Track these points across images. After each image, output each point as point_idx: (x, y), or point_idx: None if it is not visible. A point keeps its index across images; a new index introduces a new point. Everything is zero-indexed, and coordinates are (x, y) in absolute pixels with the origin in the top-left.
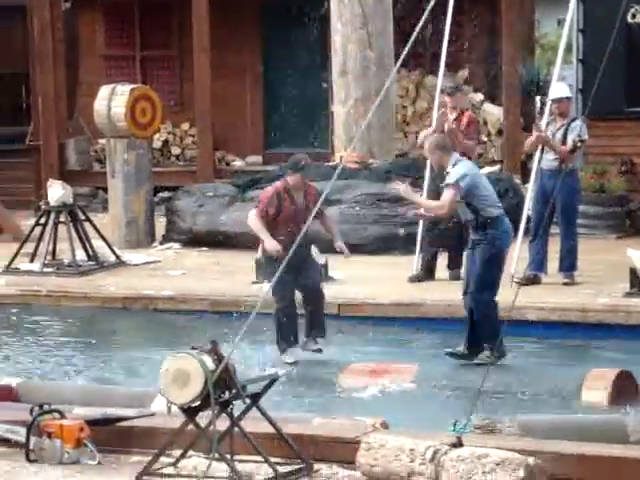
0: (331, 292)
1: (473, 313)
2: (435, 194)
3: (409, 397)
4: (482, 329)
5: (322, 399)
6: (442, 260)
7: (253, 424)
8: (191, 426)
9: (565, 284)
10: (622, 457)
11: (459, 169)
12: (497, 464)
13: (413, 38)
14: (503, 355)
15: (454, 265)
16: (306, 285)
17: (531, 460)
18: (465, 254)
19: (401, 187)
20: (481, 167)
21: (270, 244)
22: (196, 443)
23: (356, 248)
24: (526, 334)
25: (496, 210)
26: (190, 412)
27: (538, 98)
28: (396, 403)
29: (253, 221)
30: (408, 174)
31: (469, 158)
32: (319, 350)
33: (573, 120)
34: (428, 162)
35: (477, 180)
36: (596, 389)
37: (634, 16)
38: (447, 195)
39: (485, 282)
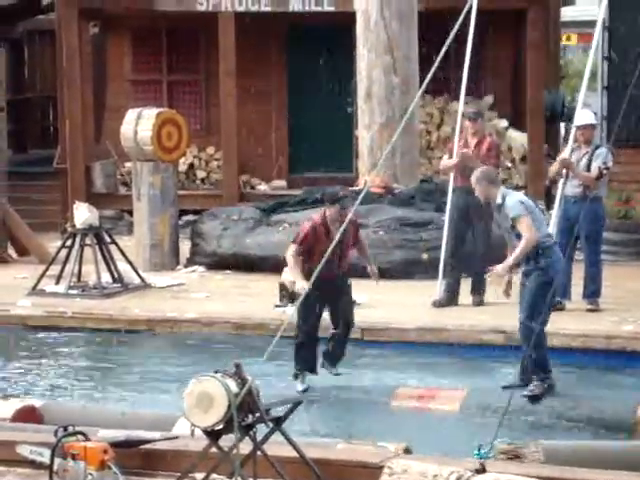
0: (354, 316)
1: (523, 343)
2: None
3: (454, 422)
4: (532, 358)
5: (369, 423)
6: (465, 286)
7: (276, 448)
8: (214, 449)
9: (589, 310)
10: None
11: (513, 198)
12: None
13: (436, 64)
14: (553, 385)
15: (477, 290)
16: (338, 317)
17: None
18: (520, 285)
19: (495, 273)
20: None
21: (299, 284)
22: (219, 466)
23: (380, 272)
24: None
25: (548, 239)
26: (213, 435)
27: (562, 124)
28: (442, 429)
29: (290, 258)
30: (432, 199)
31: None
32: (338, 374)
33: (597, 147)
34: (450, 188)
35: (531, 209)
36: None
37: None
38: (524, 224)
39: (535, 310)
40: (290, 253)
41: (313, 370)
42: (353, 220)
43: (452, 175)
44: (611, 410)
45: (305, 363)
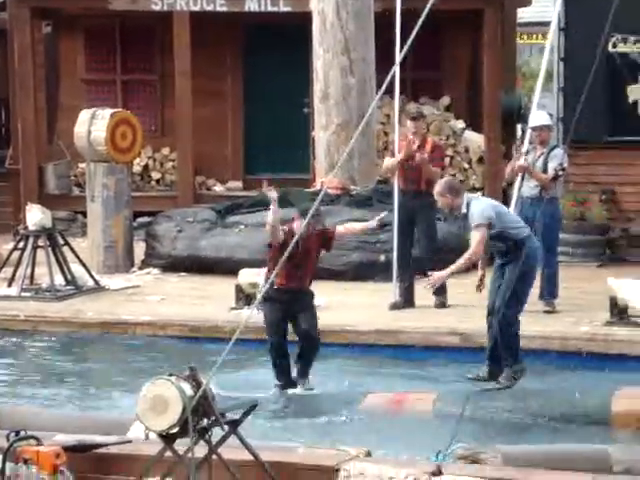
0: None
1: (497, 331)
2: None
3: (423, 426)
4: (505, 346)
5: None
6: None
7: (232, 451)
8: (169, 453)
9: (546, 312)
10: None
11: (477, 207)
12: None
13: (397, 65)
14: (524, 373)
15: (439, 292)
16: (302, 329)
17: None
18: (492, 277)
19: (434, 279)
20: None
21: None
22: (174, 470)
23: (337, 275)
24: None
25: (523, 231)
26: (168, 439)
27: (519, 126)
28: (414, 431)
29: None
30: (389, 201)
31: (429, 184)
32: (311, 389)
33: (553, 148)
34: (395, 188)
35: (497, 210)
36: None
37: (615, 45)
38: (477, 236)
39: (514, 298)
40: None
41: (292, 384)
42: (319, 229)
43: (396, 178)
44: (583, 407)
45: (282, 375)
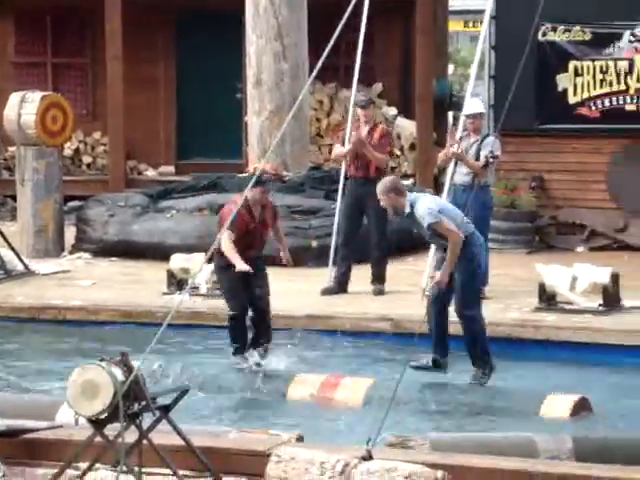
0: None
1: (445, 326)
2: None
3: (356, 412)
4: (473, 344)
5: (266, 412)
6: (359, 273)
7: (164, 437)
8: (99, 438)
9: None
10: (526, 471)
11: (421, 208)
12: (406, 477)
13: (327, 51)
14: (493, 370)
15: (378, 280)
16: (256, 298)
17: (439, 474)
18: (433, 274)
19: (436, 283)
20: None
21: (240, 267)
22: (104, 455)
23: (270, 260)
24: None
25: (468, 227)
26: (98, 424)
27: (451, 113)
28: (346, 416)
29: (226, 243)
30: (322, 187)
31: (381, 171)
32: (259, 365)
33: (486, 136)
34: (342, 176)
35: (441, 207)
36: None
37: (544, 34)
38: (444, 227)
39: (471, 297)
40: (226, 242)
41: (246, 347)
42: (273, 203)
43: (344, 164)
44: (514, 399)
45: (242, 341)
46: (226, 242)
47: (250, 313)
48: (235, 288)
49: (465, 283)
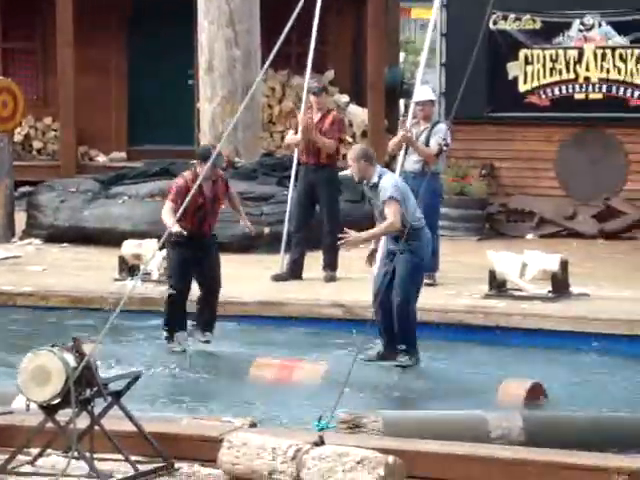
0: (196, 291)
1: (392, 320)
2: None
3: (314, 393)
4: (405, 336)
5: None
6: (311, 260)
7: (116, 423)
8: (51, 424)
9: (427, 285)
10: (478, 455)
11: (388, 181)
12: (357, 462)
13: (282, 38)
14: (418, 360)
15: (329, 266)
16: (206, 275)
17: (390, 459)
18: (379, 262)
19: (351, 239)
20: (345, 168)
21: (175, 228)
22: (56, 441)
23: (222, 247)
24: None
25: (418, 222)
26: (50, 410)
27: (402, 101)
28: (301, 399)
29: (165, 211)
30: (274, 173)
31: (332, 157)
32: (207, 342)
33: (436, 123)
34: (294, 163)
35: (404, 192)
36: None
37: (495, 22)
38: (393, 209)
39: (410, 291)
40: (165, 209)
41: (183, 327)
42: (223, 177)
43: (297, 151)
44: (471, 383)
45: (177, 322)
46: (165, 208)
47: (198, 293)
48: (182, 267)
49: (407, 276)
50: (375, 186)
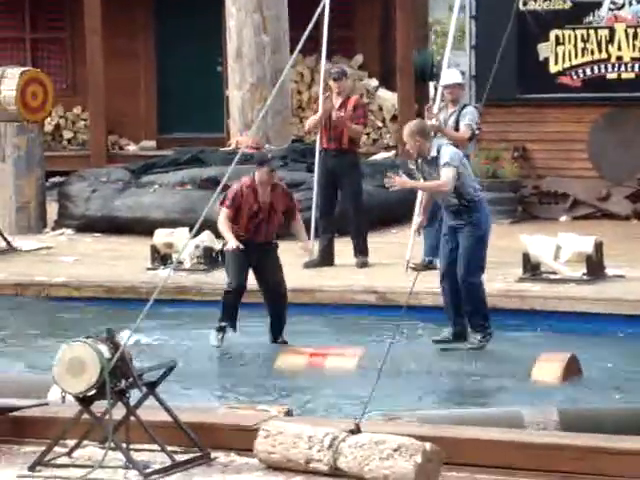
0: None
1: (461, 297)
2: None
3: (350, 382)
4: (473, 312)
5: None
6: (342, 246)
7: (152, 413)
8: (86, 415)
9: None
10: (515, 441)
11: (448, 150)
12: (394, 450)
13: (312, 24)
14: (491, 336)
15: (360, 252)
16: (268, 282)
17: (428, 446)
18: (442, 240)
19: (397, 181)
20: (376, 153)
21: (231, 244)
22: (92, 433)
23: None
24: (424, 319)
25: (478, 194)
26: (85, 401)
27: (432, 84)
28: (337, 388)
29: (221, 221)
30: (304, 160)
31: (354, 142)
32: (285, 341)
33: (465, 106)
34: (317, 148)
35: (465, 162)
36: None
37: (525, 3)
38: (448, 172)
39: (475, 264)
40: (221, 218)
41: (234, 326)
42: (283, 186)
43: (318, 136)
44: (505, 364)
45: (230, 319)
46: (220, 218)
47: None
48: (237, 264)
49: (470, 249)
50: (435, 159)
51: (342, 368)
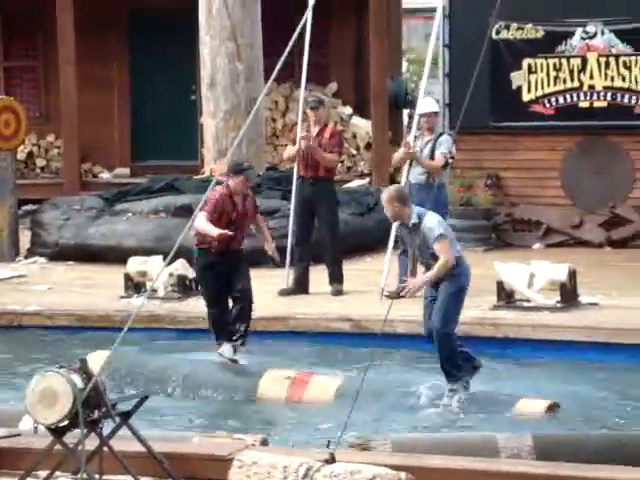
0: (201, 306)
1: (438, 349)
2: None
3: (327, 410)
4: (447, 361)
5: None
6: (317, 274)
7: (125, 443)
8: (59, 446)
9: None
10: (488, 470)
11: (432, 220)
12: None
13: (287, 52)
14: (468, 384)
15: (335, 280)
16: (238, 289)
17: (403, 475)
18: (424, 305)
19: (411, 284)
20: (350, 180)
21: (218, 233)
22: (64, 464)
23: None
24: (398, 347)
25: (458, 250)
26: (58, 432)
27: (406, 112)
28: (314, 416)
29: (200, 221)
30: (279, 187)
31: (330, 171)
32: (235, 361)
33: (440, 135)
34: (295, 175)
35: (446, 227)
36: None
37: (498, 32)
38: (445, 246)
39: (451, 316)
40: (201, 218)
41: (231, 338)
42: (251, 194)
43: (295, 164)
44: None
45: (226, 334)
46: (201, 219)
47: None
48: (213, 287)
49: (448, 300)
50: (416, 226)
51: (321, 395)
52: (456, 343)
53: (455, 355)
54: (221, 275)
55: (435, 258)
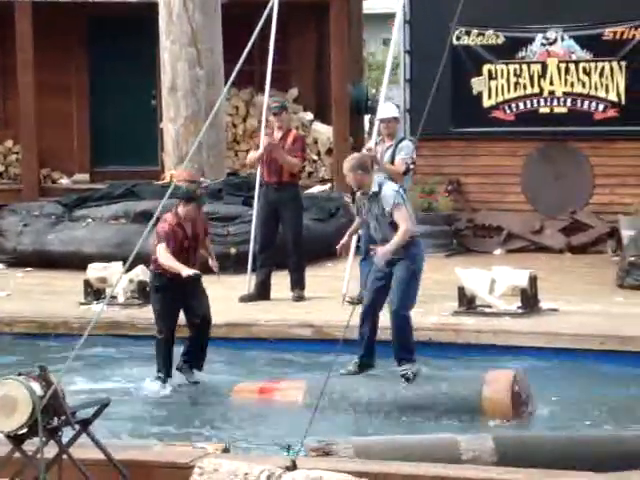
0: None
1: (395, 332)
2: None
3: (295, 416)
4: (402, 344)
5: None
6: (279, 280)
7: (85, 451)
8: (18, 454)
9: None
10: (451, 476)
11: (390, 188)
12: None
13: (244, 57)
14: (419, 372)
15: (297, 286)
16: (197, 314)
17: None
18: (373, 275)
19: (379, 252)
20: (311, 186)
21: (186, 272)
22: (23, 472)
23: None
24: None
25: (416, 230)
26: (17, 440)
27: (367, 117)
28: (281, 423)
29: (164, 257)
30: (240, 193)
31: (294, 176)
32: (196, 382)
33: (401, 140)
34: (257, 182)
35: (405, 197)
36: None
37: (459, 38)
38: (403, 214)
39: (409, 298)
40: (163, 254)
41: (169, 374)
42: (202, 216)
43: (259, 170)
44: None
45: (167, 366)
46: (163, 253)
47: (189, 333)
48: (166, 311)
49: (405, 282)
50: (375, 194)
51: (285, 402)
52: (411, 326)
53: (410, 336)
54: (176, 298)
55: (394, 228)
